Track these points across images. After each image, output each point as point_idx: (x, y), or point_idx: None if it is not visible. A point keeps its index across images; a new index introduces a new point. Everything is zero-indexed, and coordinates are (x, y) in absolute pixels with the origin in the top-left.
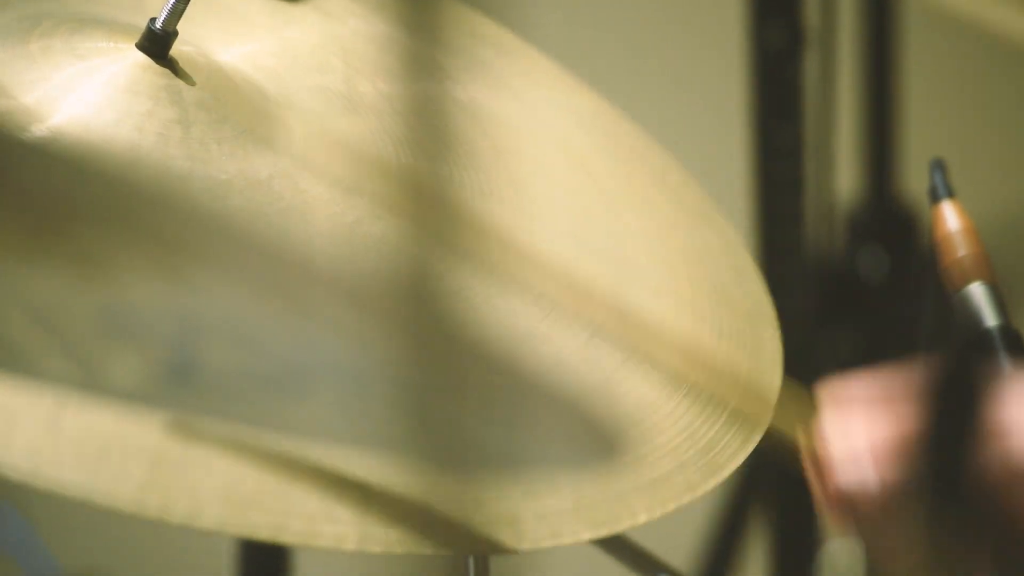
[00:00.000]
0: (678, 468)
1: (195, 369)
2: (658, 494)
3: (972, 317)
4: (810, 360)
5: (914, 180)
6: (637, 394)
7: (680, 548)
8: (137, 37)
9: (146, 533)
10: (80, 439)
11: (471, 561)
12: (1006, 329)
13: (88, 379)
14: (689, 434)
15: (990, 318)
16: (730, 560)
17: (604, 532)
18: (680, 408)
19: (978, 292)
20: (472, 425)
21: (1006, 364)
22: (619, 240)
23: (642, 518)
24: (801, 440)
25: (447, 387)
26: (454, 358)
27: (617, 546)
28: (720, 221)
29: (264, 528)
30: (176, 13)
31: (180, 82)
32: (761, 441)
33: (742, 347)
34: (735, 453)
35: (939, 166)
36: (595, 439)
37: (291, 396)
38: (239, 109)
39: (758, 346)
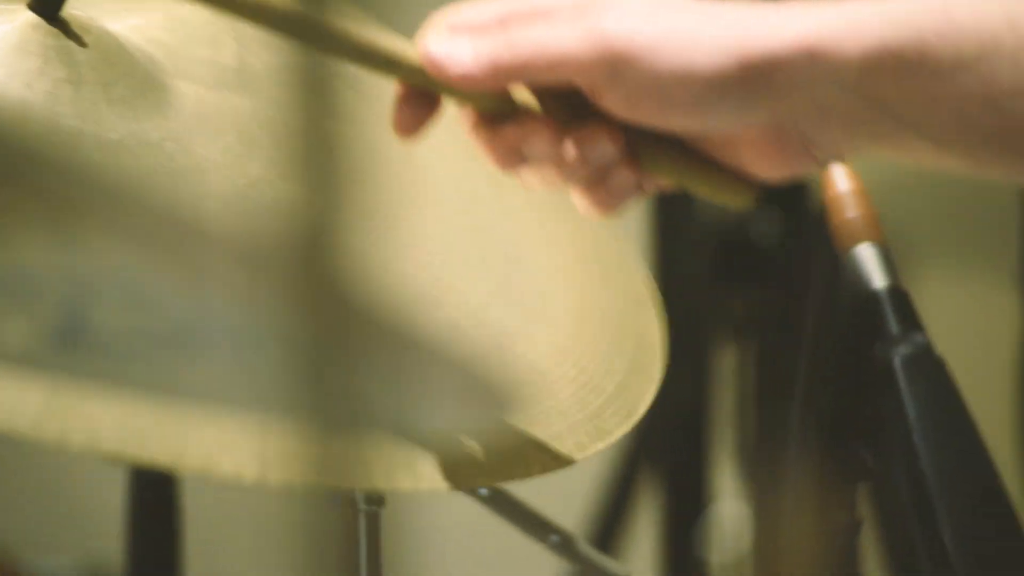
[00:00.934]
0: (568, 430)
1: (86, 331)
2: (550, 451)
3: (861, 277)
4: (704, 322)
5: None
6: (527, 361)
7: (571, 510)
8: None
9: (39, 507)
10: None
11: (363, 522)
12: (894, 288)
13: None
14: (578, 399)
15: (879, 279)
16: (620, 521)
17: (499, 480)
18: (568, 376)
19: (867, 253)
20: (365, 387)
21: (894, 325)
22: (507, 221)
23: (536, 470)
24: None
25: (340, 349)
26: (348, 320)
27: (509, 508)
28: None
29: (162, 457)
30: None
31: (71, 43)
32: None
33: (627, 329)
34: (622, 421)
35: None
36: (486, 400)
37: (183, 357)
38: (131, 72)
39: (642, 327)
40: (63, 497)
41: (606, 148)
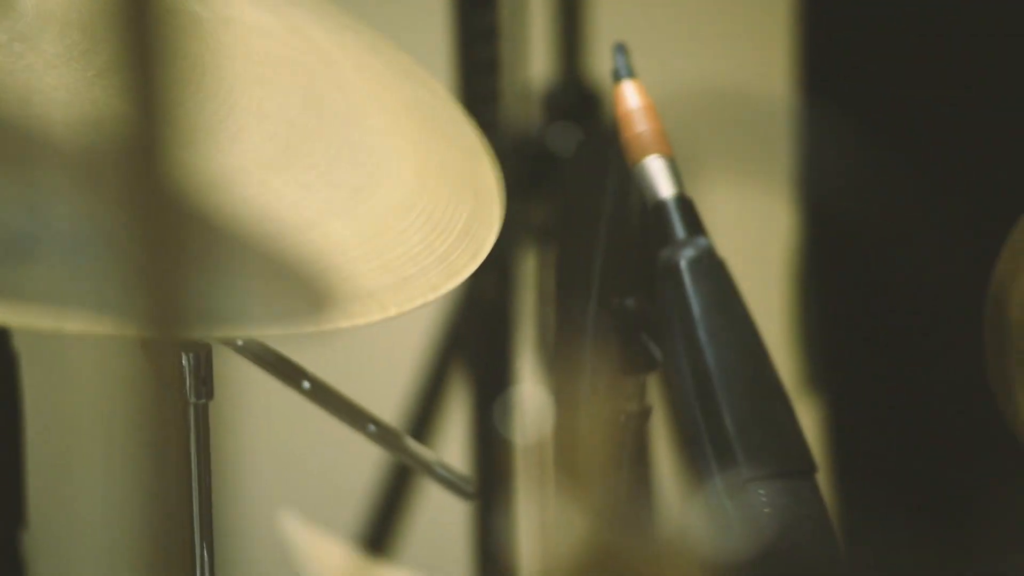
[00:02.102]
0: (420, 272)
1: None
2: (405, 292)
3: (650, 187)
4: (507, 228)
5: (600, 63)
6: (374, 215)
7: (387, 401)
8: None
9: None
10: None
11: (192, 414)
12: (680, 197)
13: None
14: (426, 245)
15: (666, 188)
16: (433, 411)
17: (358, 322)
18: (415, 225)
19: (655, 164)
20: (196, 285)
21: (680, 230)
22: (343, 93)
23: (392, 311)
24: None
25: (170, 249)
26: (177, 220)
27: (329, 400)
28: (430, 79)
29: (44, 319)
30: None
31: None
32: None
33: (465, 179)
34: (468, 262)
35: (621, 49)
36: (313, 300)
37: (17, 261)
38: None
39: (478, 176)
40: None
41: None
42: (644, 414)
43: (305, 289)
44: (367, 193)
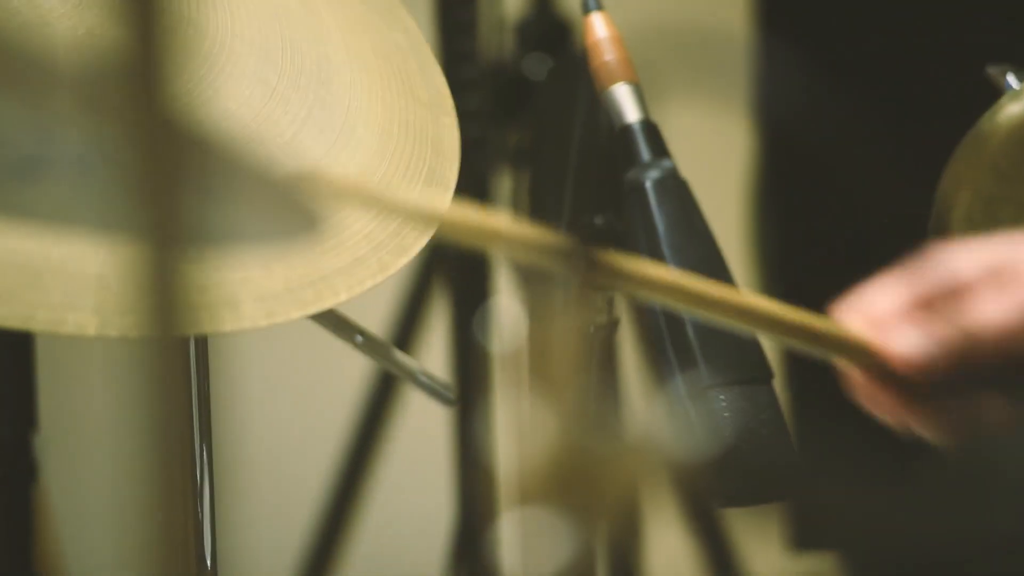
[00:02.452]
0: (372, 250)
1: None
2: (356, 274)
3: (617, 112)
4: (484, 150)
5: None
6: (338, 185)
7: (373, 313)
8: None
9: None
10: None
11: (193, 348)
12: (645, 122)
13: None
14: (381, 220)
15: (632, 113)
16: (416, 323)
17: (311, 310)
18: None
19: (622, 91)
20: (194, 207)
21: (645, 153)
22: (317, 36)
23: (343, 296)
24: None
25: (172, 173)
26: (179, 145)
27: (321, 314)
28: (408, 20)
29: (13, 319)
30: None
31: None
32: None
33: (424, 138)
34: (419, 235)
35: None
36: (302, 221)
37: (29, 183)
38: None
39: (439, 135)
40: None
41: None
42: (612, 325)
43: (292, 213)
44: (331, 159)
